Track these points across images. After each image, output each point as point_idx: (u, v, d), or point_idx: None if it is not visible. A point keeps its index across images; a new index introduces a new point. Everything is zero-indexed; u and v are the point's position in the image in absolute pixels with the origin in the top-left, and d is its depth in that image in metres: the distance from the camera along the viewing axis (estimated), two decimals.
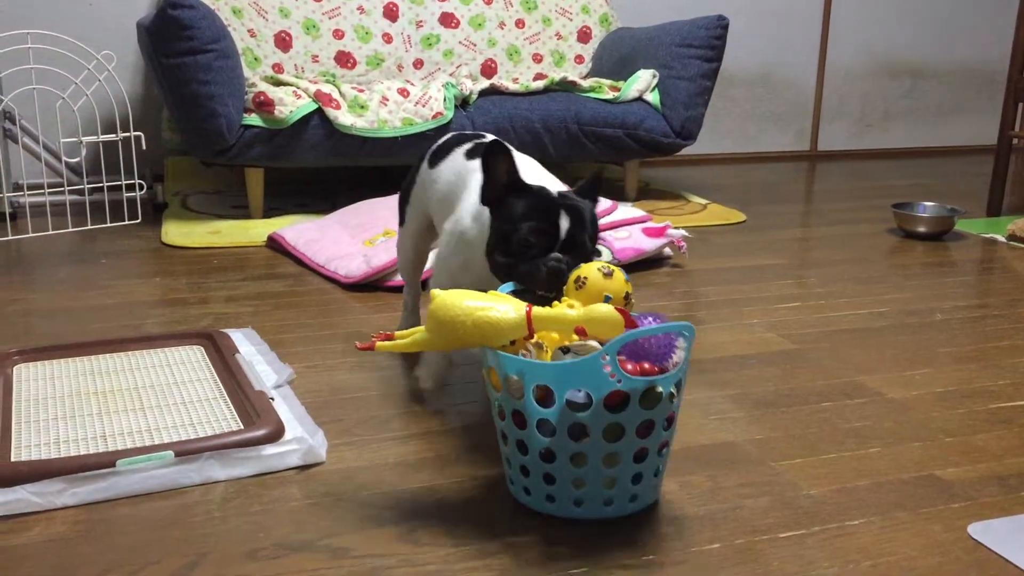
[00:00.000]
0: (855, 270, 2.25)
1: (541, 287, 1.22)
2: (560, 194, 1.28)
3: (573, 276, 1.19)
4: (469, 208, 1.36)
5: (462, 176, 1.43)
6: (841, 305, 1.96)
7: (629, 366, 1.06)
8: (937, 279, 2.18)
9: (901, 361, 1.64)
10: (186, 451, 1.19)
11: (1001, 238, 2.59)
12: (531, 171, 1.39)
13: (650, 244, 2.22)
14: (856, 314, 1.91)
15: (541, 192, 1.28)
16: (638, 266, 2.22)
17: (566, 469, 1.07)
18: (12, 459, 1.20)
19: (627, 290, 1.18)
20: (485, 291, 1.14)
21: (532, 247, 1.23)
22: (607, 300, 1.14)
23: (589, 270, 1.18)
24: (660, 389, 1.06)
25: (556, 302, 1.15)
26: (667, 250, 2.30)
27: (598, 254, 1.38)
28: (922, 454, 1.29)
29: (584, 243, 1.25)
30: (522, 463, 1.10)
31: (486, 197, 1.29)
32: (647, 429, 1.07)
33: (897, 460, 1.27)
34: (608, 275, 1.17)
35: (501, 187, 1.27)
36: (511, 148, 1.28)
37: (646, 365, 1.08)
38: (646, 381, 1.05)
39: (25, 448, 1.23)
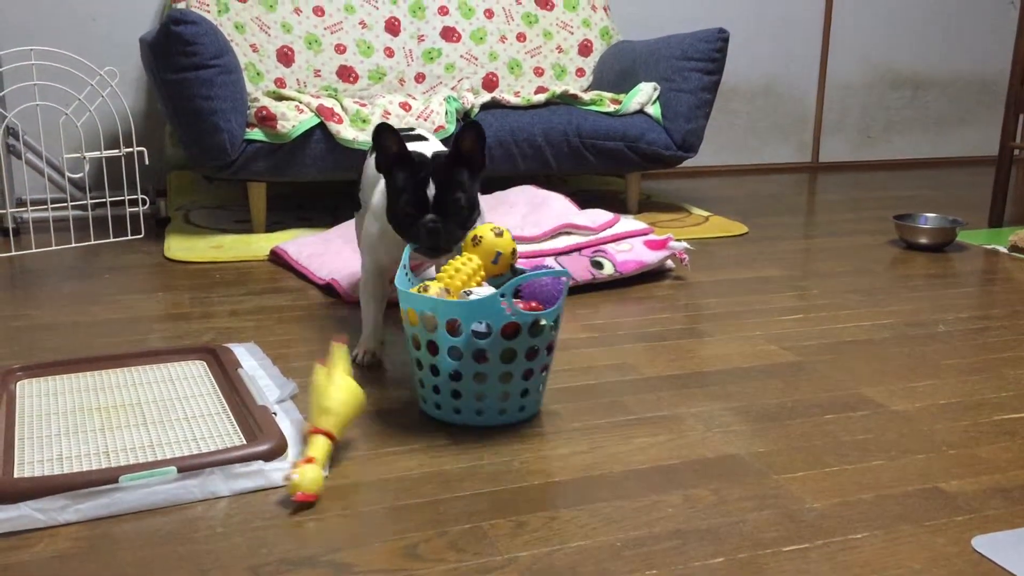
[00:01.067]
0: (857, 282, 2.25)
1: (424, 245, 1.49)
2: (434, 157, 1.52)
3: (471, 235, 1.47)
4: (382, 187, 1.59)
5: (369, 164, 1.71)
6: (844, 317, 1.96)
7: (521, 305, 1.35)
8: (939, 290, 2.18)
9: (904, 373, 1.64)
10: (189, 466, 1.19)
11: (1003, 249, 2.58)
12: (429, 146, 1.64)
13: (652, 256, 2.22)
14: (859, 326, 1.90)
15: (417, 162, 1.50)
16: (640, 279, 2.23)
17: (470, 386, 1.35)
18: (15, 475, 1.20)
19: (513, 247, 1.47)
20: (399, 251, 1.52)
21: (410, 215, 1.48)
22: (498, 256, 1.45)
23: (483, 230, 1.46)
24: (544, 322, 1.35)
25: (459, 256, 1.44)
26: (669, 262, 2.30)
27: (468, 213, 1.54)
28: (926, 466, 1.28)
29: (452, 203, 1.48)
30: (434, 383, 1.38)
31: (380, 167, 1.53)
32: (534, 353, 1.36)
33: (901, 473, 1.26)
34: (499, 235, 1.46)
35: (390, 158, 1.50)
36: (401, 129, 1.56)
37: (533, 304, 1.38)
38: (533, 315, 1.33)
39: (28, 464, 1.24)
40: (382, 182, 1.58)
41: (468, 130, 1.50)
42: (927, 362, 1.70)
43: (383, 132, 1.50)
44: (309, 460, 1.18)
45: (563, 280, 1.43)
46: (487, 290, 1.39)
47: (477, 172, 1.54)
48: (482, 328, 1.32)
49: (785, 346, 1.77)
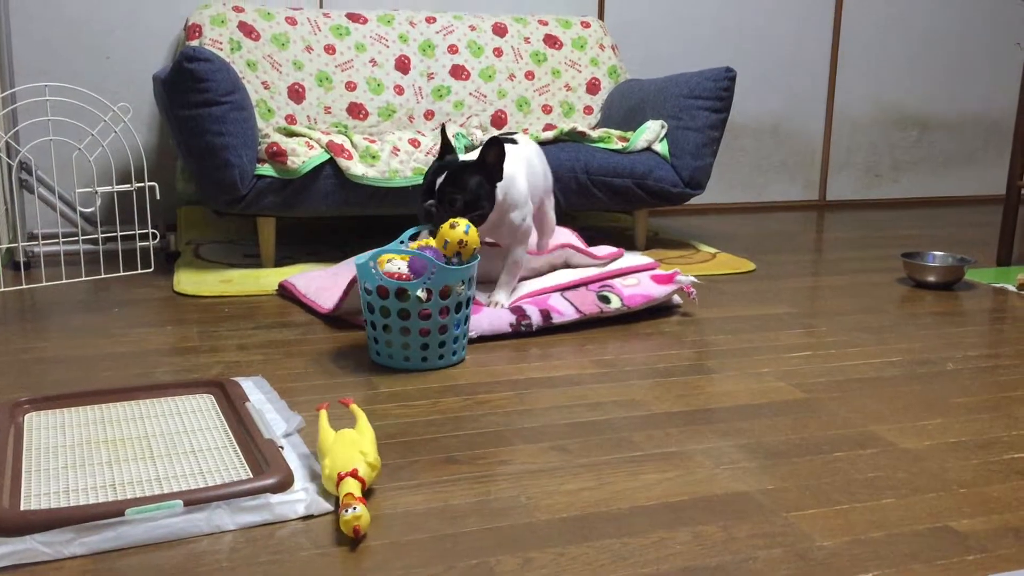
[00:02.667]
0: (866, 319, 2.24)
1: (422, 219, 1.94)
2: (459, 163, 1.94)
3: (449, 222, 1.83)
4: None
5: None
6: (852, 354, 1.96)
7: (397, 276, 1.76)
8: (948, 328, 2.17)
9: (914, 411, 1.63)
10: (195, 500, 1.19)
11: (1011, 288, 2.58)
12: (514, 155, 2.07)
13: (659, 291, 2.22)
14: (868, 363, 1.90)
15: (440, 161, 1.95)
16: (648, 314, 2.23)
17: (381, 335, 1.81)
18: (22, 508, 1.20)
19: (473, 240, 1.82)
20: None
21: (421, 195, 1.94)
22: (446, 244, 1.83)
23: (460, 221, 1.83)
24: (409, 291, 1.73)
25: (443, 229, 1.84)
26: (676, 297, 2.30)
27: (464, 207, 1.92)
28: (936, 505, 1.27)
29: (452, 197, 1.89)
30: (374, 336, 1.82)
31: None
32: (427, 317, 1.76)
33: (911, 511, 1.25)
34: (467, 231, 1.82)
35: (441, 150, 1.98)
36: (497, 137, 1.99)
37: (404, 275, 1.76)
38: (396, 283, 1.74)
39: (35, 497, 1.23)
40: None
41: (492, 146, 1.91)
42: (936, 400, 1.69)
43: (443, 132, 2.02)
44: (361, 500, 1.18)
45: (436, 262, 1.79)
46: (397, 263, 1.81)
47: (493, 181, 1.94)
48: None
49: (794, 383, 1.77)
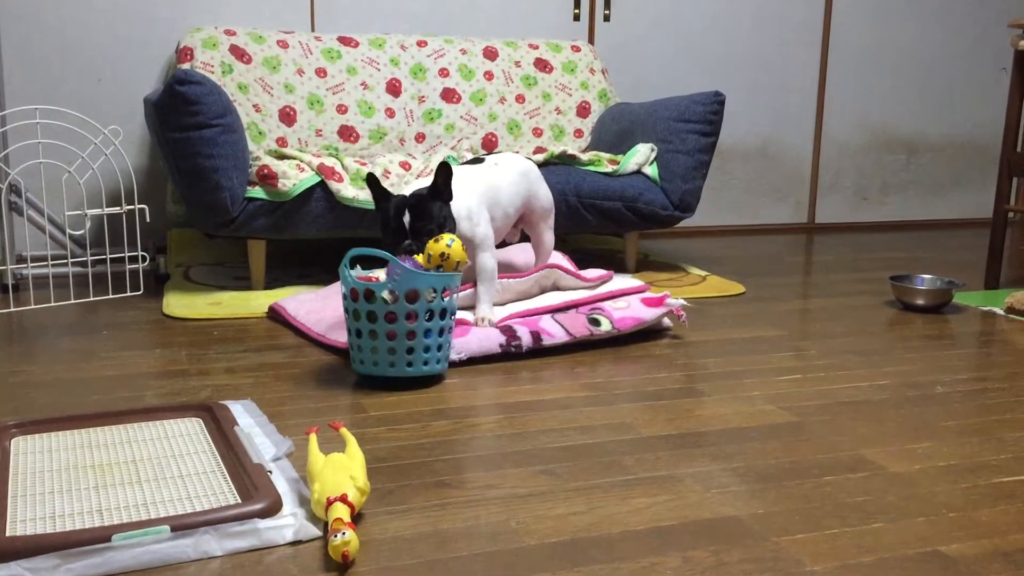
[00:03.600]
0: (855, 342, 2.25)
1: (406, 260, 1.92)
2: (413, 195, 1.97)
3: (435, 239, 1.88)
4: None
5: None
6: (842, 377, 1.96)
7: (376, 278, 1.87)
8: (937, 352, 2.18)
9: (903, 434, 1.63)
10: (182, 525, 1.18)
11: (999, 311, 2.59)
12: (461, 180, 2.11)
13: (649, 313, 2.23)
14: (857, 387, 1.90)
15: (395, 200, 1.97)
16: (638, 337, 2.23)
17: (361, 342, 1.83)
18: (7, 533, 1.18)
19: (456, 253, 1.87)
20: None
21: (394, 242, 1.94)
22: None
23: (446, 236, 1.89)
24: (376, 293, 1.78)
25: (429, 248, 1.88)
26: (667, 320, 2.31)
27: (445, 228, 1.99)
28: (926, 530, 1.27)
29: (425, 230, 1.93)
30: (353, 343, 1.85)
31: (375, 205, 2.01)
32: (391, 320, 1.79)
33: (901, 536, 1.25)
34: (450, 244, 1.87)
35: (377, 199, 1.99)
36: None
37: (372, 278, 1.87)
38: (364, 285, 1.79)
39: (21, 522, 1.22)
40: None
41: (441, 169, 1.96)
42: (926, 423, 1.69)
43: (369, 181, 1.99)
44: (350, 525, 1.17)
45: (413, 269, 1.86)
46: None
47: (447, 202, 2.00)
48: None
49: (783, 406, 1.77)
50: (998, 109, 4.36)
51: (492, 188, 2.23)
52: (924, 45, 4.27)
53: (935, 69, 4.32)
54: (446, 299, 1.83)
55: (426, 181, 2.06)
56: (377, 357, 1.81)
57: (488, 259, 2.14)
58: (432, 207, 1.96)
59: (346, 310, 1.84)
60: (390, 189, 2.64)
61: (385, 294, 1.79)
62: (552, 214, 2.45)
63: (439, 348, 1.85)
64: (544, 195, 2.41)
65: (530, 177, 2.36)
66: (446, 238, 1.88)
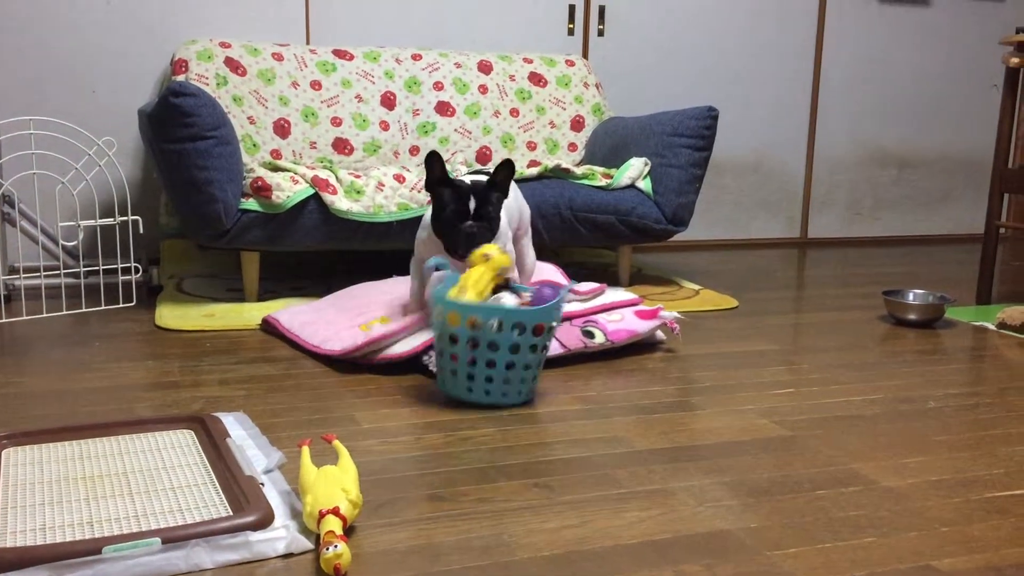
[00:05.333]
0: (847, 357, 2.26)
1: (462, 245, 1.98)
2: (473, 183, 2.02)
3: (481, 252, 1.87)
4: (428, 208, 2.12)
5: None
6: (834, 392, 1.97)
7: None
8: (929, 367, 2.19)
9: (895, 449, 1.64)
10: (174, 537, 1.17)
11: (991, 326, 2.60)
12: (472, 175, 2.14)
13: (643, 326, 2.23)
14: (849, 401, 1.91)
15: (459, 184, 2.02)
16: (631, 351, 2.23)
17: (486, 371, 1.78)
18: None
19: (507, 263, 1.89)
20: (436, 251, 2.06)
21: (453, 221, 2.00)
22: (502, 269, 1.88)
23: (491, 248, 1.88)
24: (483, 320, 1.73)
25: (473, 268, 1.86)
26: (660, 333, 2.31)
27: (489, 233, 2.03)
28: (918, 544, 1.27)
29: (488, 214, 2.00)
30: (468, 372, 1.77)
31: (426, 187, 2.05)
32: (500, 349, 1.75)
33: (893, 550, 1.25)
34: (492, 256, 1.86)
35: (435, 180, 2.03)
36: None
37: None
38: (469, 308, 1.74)
39: (11, 534, 1.22)
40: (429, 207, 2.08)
41: (505, 166, 2.03)
42: (918, 438, 1.70)
43: (431, 158, 2.01)
44: (342, 538, 1.17)
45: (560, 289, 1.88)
46: (511, 296, 1.87)
47: (503, 196, 2.06)
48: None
49: (776, 420, 1.77)
50: (989, 125, 4.39)
51: (506, 206, 2.23)
52: (916, 61, 4.30)
53: (927, 85, 4.34)
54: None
55: (467, 173, 2.10)
56: (473, 384, 1.78)
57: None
58: (493, 196, 2.03)
59: (445, 336, 1.78)
60: (384, 201, 2.66)
61: (493, 322, 1.73)
62: (530, 230, 2.45)
63: (534, 379, 1.84)
64: (527, 211, 2.42)
65: (517, 193, 2.36)
66: (495, 248, 1.89)
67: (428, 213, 2.11)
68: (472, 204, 1.99)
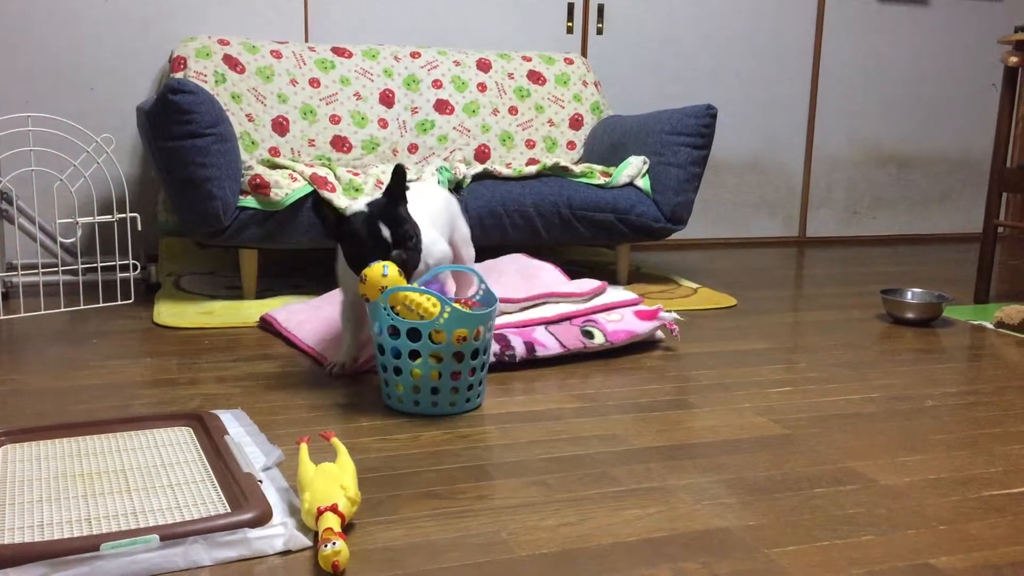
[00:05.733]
0: (845, 355, 2.26)
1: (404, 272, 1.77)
2: (371, 209, 1.80)
3: (379, 270, 1.69)
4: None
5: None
6: (832, 390, 1.97)
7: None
8: (927, 365, 2.19)
9: (893, 447, 1.64)
10: (172, 534, 1.17)
11: (989, 325, 2.60)
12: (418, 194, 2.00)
13: (643, 327, 2.23)
14: (847, 399, 1.91)
15: (361, 216, 1.79)
16: (630, 349, 2.23)
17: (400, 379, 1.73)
18: None
19: (401, 282, 1.71)
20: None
21: (373, 254, 1.75)
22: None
23: (379, 264, 1.71)
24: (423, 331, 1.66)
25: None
26: (659, 333, 2.31)
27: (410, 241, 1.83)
28: (916, 542, 1.28)
29: (406, 233, 1.79)
30: (397, 380, 1.72)
31: (328, 234, 1.83)
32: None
33: (891, 548, 1.25)
34: (385, 272, 1.70)
35: (333, 225, 1.82)
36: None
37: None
38: (407, 323, 1.66)
39: (8, 531, 1.22)
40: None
41: (395, 173, 1.82)
42: (915, 436, 1.70)
43: (320, 205, 1.85)
44: (340, 535, 1.17)
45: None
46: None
47: (405, 203, 1.85)
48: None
49: (774, 419, 1.77)
50: (988, 124, 4.39)
51: (430, 214, 2.08)
52: (914, 60, 4.30)
53: (925, 84, 4.35)
54: (488, 335, 1.75)
55: (359, 198, 1.90)
56: (419, 396, 1.72)
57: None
58: (401, 213, 1.82)
59: (381, 347, 1.72)
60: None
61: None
62: (471, 247, 2.29)
63: (480, 383, 1.78)
64: (463, 227, 2.27)
65: (451, 207, 2.23)
66: (379, 267, 1.71)
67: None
68: (386, 232, 1.77)
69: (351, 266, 1.82)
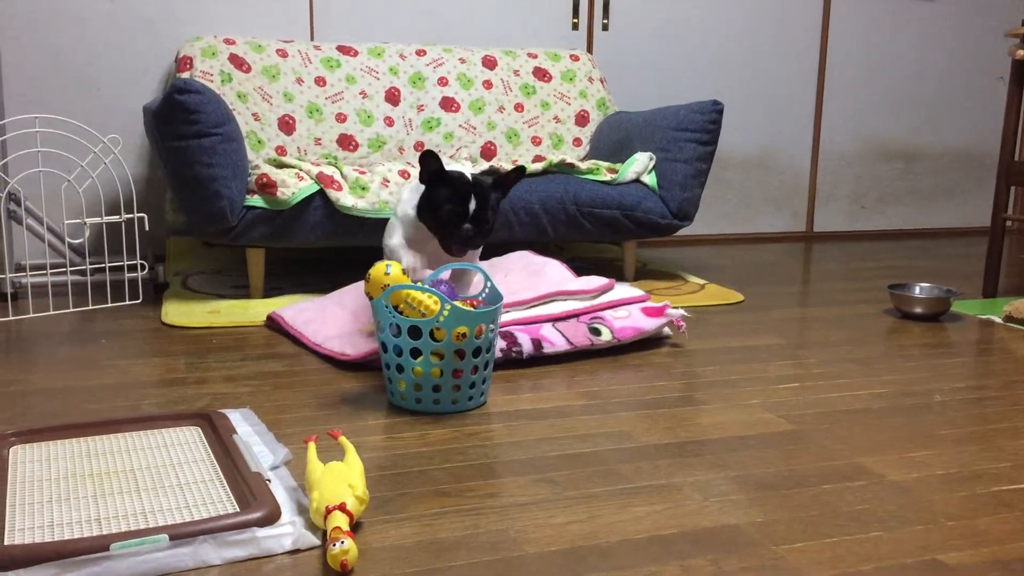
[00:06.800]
0: (853, 351, 2.25)
1: (456, 244, 1.97)
2: (474, 180, 1.97)
3: (382, 267, 1.75)
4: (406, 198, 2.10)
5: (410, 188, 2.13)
6: (840, 386, 1.96)
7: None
8: (935, 360, 2.18)
9: (901, 443, 1.64)
10: (181, 534, 1.18)
11: (997, 319, 2.60)
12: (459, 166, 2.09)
13: (650, 323, 2.23)
14: (855, 395, 1.90)
15: (459, 180, 1.96)
16: (637, 346, 2.23)
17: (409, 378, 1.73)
18: (5, 543, 1.18)
19: (404, 279, 1.76)
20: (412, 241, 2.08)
21: (452, 221, 1.95)
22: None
23: (382, 264, 1.77)
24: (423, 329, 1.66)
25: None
26: (666, 329, 2.31)
27: (485, 230, 1.99)
28: (925, 538, 1.27)
29: (485, 218, 1.96)
30: (400, 378, 1.73)
31: (422, 179, 1.99)
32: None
33: (899, 544, 1.25)
34: (388, 271, 1.74)
35: (431, 173, 1.97)
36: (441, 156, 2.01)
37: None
38: (408, 321, 1.67)
39: (19, 531, 1.22)
40: (406, 189, 2.11)
41: (517, 171, 2.01)
42: (924, 432, 1.69)
43: (426, 156, 1.95)
44: (349, 534, 1.17)
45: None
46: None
47: (503, 197, 2.03)
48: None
49: (782, 415, 1.77)
50: (995, 118, 4.37)
51: None
52: (921, 54, 4.29)
53: (932, 78, 4.33)
54: (491, 334, 1.75)
55: (464, 166, 2.04)
56: (421, 394, 1.73)
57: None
58: (492, 197, 1.98)
59: (384, 344, 1.74)
60: (389, 197, 2.66)
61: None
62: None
63: (484, 382, 1.78)
64: None
65: None
66: (382, 265, 1.75)
67: (400, 200, 2.11)
68: (472, 207, 1.95)
69: (424, 214, 1.99)
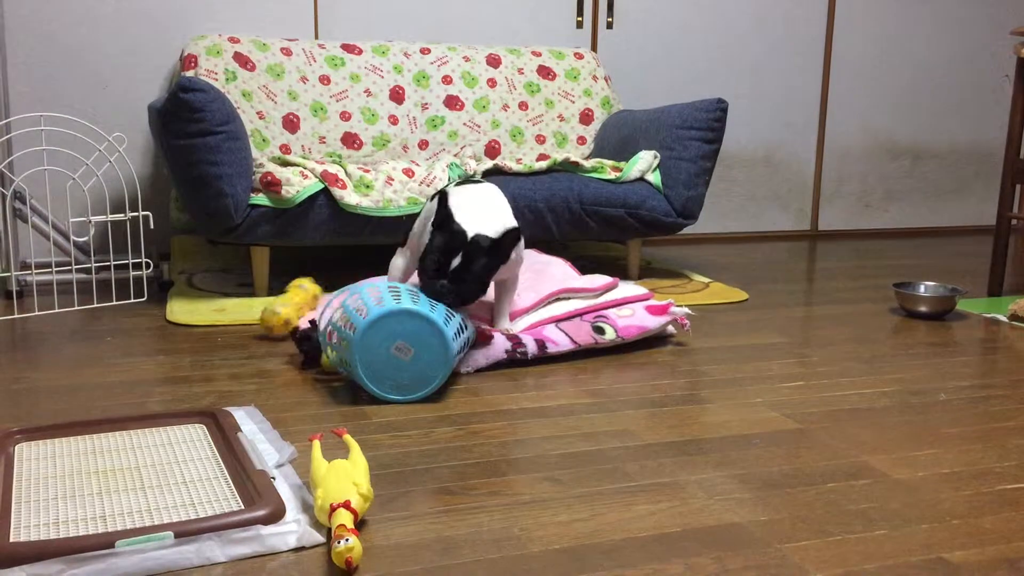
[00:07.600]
0: (858, 349, 2.25)
1: (428, 295, 1.86)
2: (472, 239, 1.87)
3: (298, 283, 2.21)
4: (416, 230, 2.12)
5: (430, 208, 2.08)
6: (844, 384, 1.96)
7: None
8: (940, 359, 2.18)
9: (906, 441, 1.63)
10: (185, 531, 1.18)
11: (1003, 318, 2.59)
12: (485, 202, 2.00)
13: (654, 322, 2.23)
14: (860, 394, 1.90)
15: (458, 233, 1.88)
16: (642, 344, 2.23)
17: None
18: (11, 539, 1.19)
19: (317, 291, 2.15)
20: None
21: (430, 271, 1.87)
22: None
23: (304, 281, 2.22)
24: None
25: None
26: (670, 328, 2.31)
27: (478, 291, 1.91)
28: (929, 536, 1.27)
29: (464, 278, 1.86)
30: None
31: (433, 223, 1.93)
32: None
33: (904, 543, 1.25)
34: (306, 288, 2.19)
35: (441, 218, 1.91)
36: (476, 184, 2.06)
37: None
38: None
39: (24, 528, 1.23)
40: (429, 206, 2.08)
41: (511, 234, 1.91)
42: (929, 430, 1.69)
43: (442, 197, 1.95)
44: (353, 532, 1.17)
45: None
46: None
47: (500, 262, 1.92)
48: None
49: (786, 413, 1.77)
50: (1001, 116, 4.36)
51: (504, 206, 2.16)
52: (926, 52, 4.28)
53: (938, 76, 4.32)
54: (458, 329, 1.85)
55: (500, 210, 1.97)
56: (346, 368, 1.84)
57: (513, 282, 2.11)
58: (481, 264, 1.88)
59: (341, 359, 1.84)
60: (393, 195, 2.66)
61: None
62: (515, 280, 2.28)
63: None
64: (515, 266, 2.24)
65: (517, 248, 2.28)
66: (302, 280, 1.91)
67: (419, 235, 2.08)
68: (455, 263, 1.86)
69: (422, 258, 1.91)
